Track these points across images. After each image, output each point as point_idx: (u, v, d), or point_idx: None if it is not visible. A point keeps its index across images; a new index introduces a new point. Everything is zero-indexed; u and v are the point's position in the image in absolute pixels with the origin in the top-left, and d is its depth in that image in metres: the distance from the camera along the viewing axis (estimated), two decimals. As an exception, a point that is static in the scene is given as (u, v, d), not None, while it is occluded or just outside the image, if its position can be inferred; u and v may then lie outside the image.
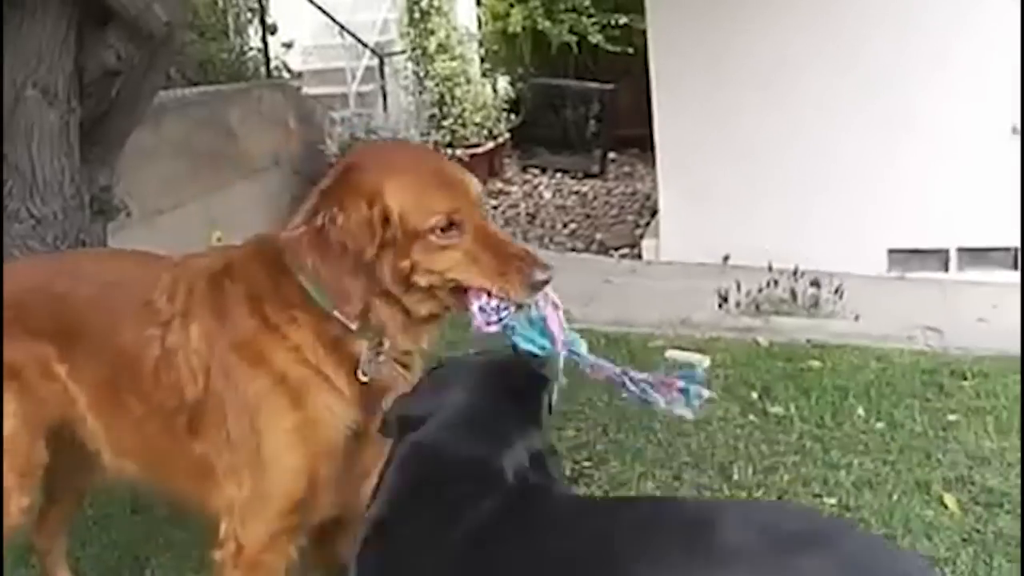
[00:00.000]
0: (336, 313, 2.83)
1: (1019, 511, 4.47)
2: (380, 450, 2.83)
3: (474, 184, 2.84)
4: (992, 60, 9.24)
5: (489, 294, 2.71)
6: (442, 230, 2.72)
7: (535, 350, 2.71)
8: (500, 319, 2.71)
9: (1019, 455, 4.97)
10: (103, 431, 3.19)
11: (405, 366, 2.97)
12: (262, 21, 13.40)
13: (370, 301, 2.79)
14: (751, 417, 5.56)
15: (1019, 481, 4.73)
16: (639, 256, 10.58)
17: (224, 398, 2.94)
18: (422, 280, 2.76)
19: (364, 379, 2.88)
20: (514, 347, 2.72)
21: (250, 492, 2.92)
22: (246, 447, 2.92)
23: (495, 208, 12.80)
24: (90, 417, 3.18)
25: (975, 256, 9.69)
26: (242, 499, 2.94)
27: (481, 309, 2.73)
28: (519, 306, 2.72)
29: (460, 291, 2.77)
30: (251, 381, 2.90)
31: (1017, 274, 9.42)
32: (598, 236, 11.57)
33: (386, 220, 2.73)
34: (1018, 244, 9.46)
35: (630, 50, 13.53)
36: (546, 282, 2.70)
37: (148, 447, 3.15)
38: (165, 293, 3.06)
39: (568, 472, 5.07)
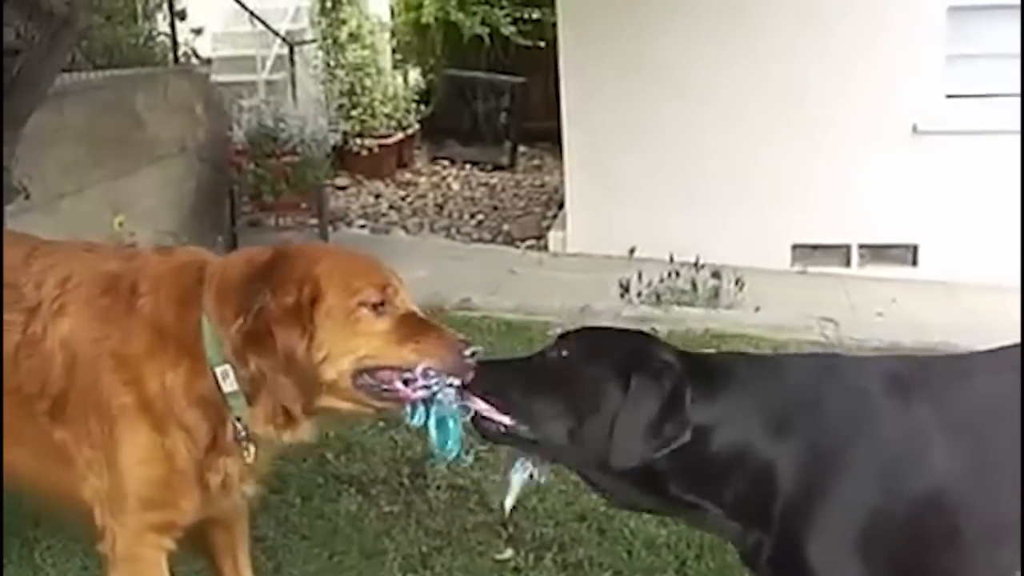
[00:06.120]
0: (216, 370, 2.85)
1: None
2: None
3: (397, 274, 2.90)
4: (896, 63, 9.48)
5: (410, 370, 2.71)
6: (373, 306, 2.75)
7: (446, 438, 2.70)
8: (428, 386, 2.69)
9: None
10: None
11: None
12: (170, 6, 13.24)
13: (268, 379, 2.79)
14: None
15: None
16: (545, 248, 10.64)
17: (88, 398, 2.93)
18: (339, 366, 2.76)
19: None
20: (424, 426, 2.71)
21: (109, 487, 2.94)
22: (104, 449, 2.93)
23: (403, 199, 12.77)
24: None
25: (875, 252, 9.90)
26: (104, 492, 2.96)
27: (406, 382, 2.72)
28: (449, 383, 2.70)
29: (387, 382, 2.76)
30: (118, 396, 2.90)
31: (916, 270, 9.67)
32: (505, 227, 11.59)
33: (314, 302, 2.75)
34: (917, 242, 9.72)
35: (541, 44, 13.56)
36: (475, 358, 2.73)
37: (10, 428, 3.09)
38: (33, 279, 3.04)
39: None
